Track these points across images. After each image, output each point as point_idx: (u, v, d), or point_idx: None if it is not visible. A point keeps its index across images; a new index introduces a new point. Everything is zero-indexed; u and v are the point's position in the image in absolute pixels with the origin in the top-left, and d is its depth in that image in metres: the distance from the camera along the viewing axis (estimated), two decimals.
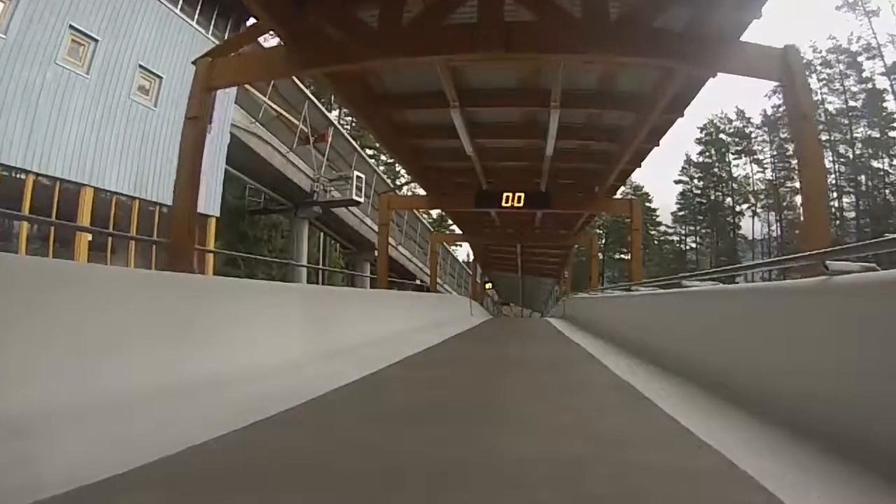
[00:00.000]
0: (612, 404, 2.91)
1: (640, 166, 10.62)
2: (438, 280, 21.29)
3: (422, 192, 13.85)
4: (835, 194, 42.77)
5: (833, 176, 42.79)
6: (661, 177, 75.24)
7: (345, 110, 35.07)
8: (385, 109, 7.99)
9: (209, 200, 13.54)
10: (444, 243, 27.72)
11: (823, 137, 43.94)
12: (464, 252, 41.99)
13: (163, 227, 12.06)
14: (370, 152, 33.00)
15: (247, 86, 15.56)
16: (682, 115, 7.98)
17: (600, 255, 35.22)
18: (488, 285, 31.12)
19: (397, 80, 7.33)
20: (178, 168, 5.26)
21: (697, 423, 2.32)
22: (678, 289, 4.42)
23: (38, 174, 10.20)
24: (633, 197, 30.36)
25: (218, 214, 13.84)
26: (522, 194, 10.78)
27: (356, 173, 17.90)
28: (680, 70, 5.55)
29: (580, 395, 3.19)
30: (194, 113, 5.35)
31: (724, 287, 3.49)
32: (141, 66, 12.15)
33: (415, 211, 26.39)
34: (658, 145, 9.25)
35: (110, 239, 11.56)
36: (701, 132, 49.51)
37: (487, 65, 6.41)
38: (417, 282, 22.22)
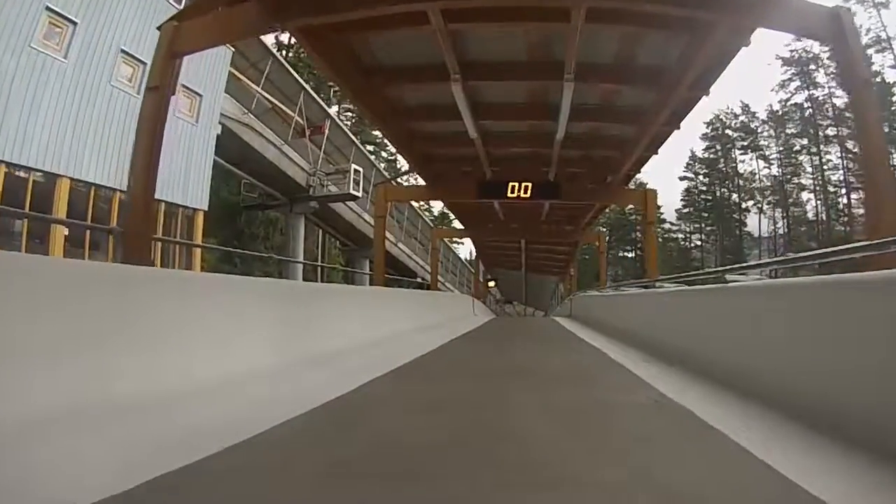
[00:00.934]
0: (668, 438, 2.12)
1: (657, 153, 9.85)
2: (440, 278, 20.66)
3: (422, 183, 13.10)
4: (843, 190, 42.06)
5: (841, 172, 42.26)
6: (664, 175, 74.19)
7: (345, 105, 34.43)
8: (378, 85, 7.22)
9: (196, 193, 12.90)
10: (446, 239, 27.05)
11: (831, 133, 43.20)
12: (466, 250, 41.35)
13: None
14: (371, 148, 32.34)
15: (239, 74, 14.86)
16: (707, 93, 7.23)
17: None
18: (491, 283, 30.34)
19: (389, 51, 6.55)
20: (135, 145, 4.60)
21: (798, 470, 1.60)
22: (721, 284, 3.68)
23: (9, 164, 9.55)
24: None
25: (206, 208, 13.14)
26: (529, 184, 10.02)
27: (353, 167, 17.19)
28: (719, 23, 4.78)
29: (620, 422, 2.42)
30: (155, 82, 4.68)
31: (795, 281, 2.73)
32: (123, 51, 11.52)
33: (416, 207, 25.72)
34: (679, 128, 8.49)
35: (88, 232, 10.91)
36: (707, 127, 48.85)
37: (492, 29, 5.67)
38: (418, 279, 21.57)
